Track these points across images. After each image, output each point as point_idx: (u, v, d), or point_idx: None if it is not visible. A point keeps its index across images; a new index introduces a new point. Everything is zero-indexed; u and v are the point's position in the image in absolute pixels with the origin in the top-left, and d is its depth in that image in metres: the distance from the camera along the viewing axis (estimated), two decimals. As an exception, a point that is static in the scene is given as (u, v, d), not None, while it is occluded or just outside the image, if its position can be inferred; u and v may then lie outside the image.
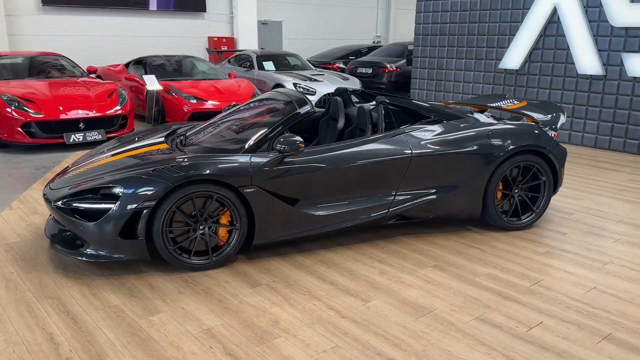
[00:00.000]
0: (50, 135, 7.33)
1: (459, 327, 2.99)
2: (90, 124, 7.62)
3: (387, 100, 4.44)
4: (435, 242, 4.24)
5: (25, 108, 7.23)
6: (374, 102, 4.67)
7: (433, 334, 2.92)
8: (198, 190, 3.52)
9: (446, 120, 4.45)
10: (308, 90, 10.52)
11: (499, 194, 4.45)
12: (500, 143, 4.31)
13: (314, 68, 12.34)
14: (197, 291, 3.38)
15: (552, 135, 4.63)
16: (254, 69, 11.80)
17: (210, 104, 8.94)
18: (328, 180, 3.92)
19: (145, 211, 3.42)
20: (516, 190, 4.46)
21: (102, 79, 9.76)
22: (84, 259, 3.51)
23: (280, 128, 3.94)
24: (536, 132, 4.49)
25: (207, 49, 14.05)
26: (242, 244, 3.75)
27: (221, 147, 3.96)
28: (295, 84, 10.59)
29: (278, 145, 3.72)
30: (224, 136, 4.20)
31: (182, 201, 3.51)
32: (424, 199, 4.20)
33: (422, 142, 4.18)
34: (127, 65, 10.80)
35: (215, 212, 3.65)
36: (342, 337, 2.88)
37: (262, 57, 12.00)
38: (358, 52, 15.37)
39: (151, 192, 3.42)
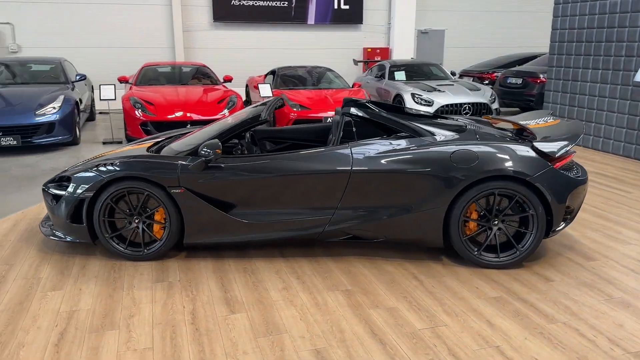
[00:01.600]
0: (161, 133, 8.49)
1: (285, 355, 2.80)
2: (196, 125, 8.57)
3: (354, 112, 4.20)
4: (381, 266, 3.90)
5: (145, 109, 8.51)
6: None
7: (254, 355, 2.79)
8: (130, 187, 3.88)
9: (417, 136, 4.04)
10: (426, 101, 10.15)
11: (473, 224, 3.88)
12: (465, 166, 3.76)
13: (452, 78, 11.80)
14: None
15: (553, 160, 3.85)
16: (384, 78, 11.79)
17: (314, 112, 9.26)
18: (260, 188, 3.92)
19: (85, 200, 3.91)
20: (495, 222, 3.83)
21: (248, 87, 10.68)
22: (50, 237, 4.14)
23: (219, 135, 4.07)
24: (522, 156, 3.80)
25: (353, 59, 14.43)
26: (176, 242, 3.99)
27: (176, 150, 4.24)
28: (413, 95, 10.32)
29: (201, 150, 3.87)
30: (186, 142, 4.47)
31: (117, 195, 3.91)
32: (370, 219, 3.89)
33: (367, 158, 3.89)
34: (267, 75, 11.77)
35: (151, 209, 3.96)
36: (165, 341, 2.94)
37: (395, 67, 11.92)
38: (522, 61, 14.16)
39: (89, 184, 3.89)
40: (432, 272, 3.81)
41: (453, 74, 12.52)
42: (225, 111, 8.81)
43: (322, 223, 3.92)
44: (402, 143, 3.96)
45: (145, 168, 3.89)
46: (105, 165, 3.98)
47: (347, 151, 3.94)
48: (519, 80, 12.17)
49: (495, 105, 10.51)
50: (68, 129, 8.38)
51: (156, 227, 4.00)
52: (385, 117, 4.13)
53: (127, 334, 2.99)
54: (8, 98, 8.35)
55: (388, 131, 4.24)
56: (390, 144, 3.96)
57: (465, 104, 10.17)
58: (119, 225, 4.01)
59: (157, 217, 3.98)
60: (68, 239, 4.06)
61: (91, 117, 11.42)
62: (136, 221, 3.97)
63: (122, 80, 10.21)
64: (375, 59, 15.25)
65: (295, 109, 9.32)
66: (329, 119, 9.25)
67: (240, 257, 4.07)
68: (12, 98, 8.36)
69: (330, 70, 11.35)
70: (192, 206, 3.89)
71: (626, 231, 4.64)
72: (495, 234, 3.87)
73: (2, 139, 7.81)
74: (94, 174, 3.93)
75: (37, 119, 8.04)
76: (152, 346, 2.88)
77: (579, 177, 3.96)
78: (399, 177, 3.83)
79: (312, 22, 14.80)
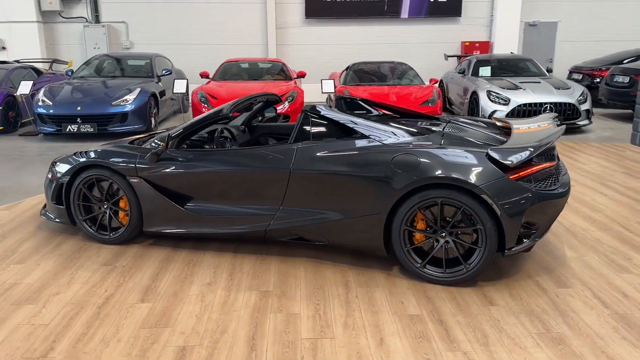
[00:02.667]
0: (220, 126, 8.92)
1: (151, 348, 2.85)
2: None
3: (312, 112, 4.07)
4: (321, 271, 3.77)
5: (207, 102, 8.99)
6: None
7: (125, 343, 2.89)
8: (97, 174, 4.17)
9: (371, 138, 3.80)
10: (502, 99, 9.43)
11: (419, 235, 3.58)
12: (405, 171, 3.48)
13: (547, 75, 10.80)
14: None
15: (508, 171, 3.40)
16: (467, 74, 11.14)
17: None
18: (206, 183, 3.99)
19: (64, 184, 4.28)
20: (443, 234, 3.50)
21: (334, 83, 10.71)
22: (42, 217, 4.60)
23: (181, 130, 4.19)
24: (471, 164, 3.41)
25: (444, 54, 13.77)
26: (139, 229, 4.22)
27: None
28: (489, 92, 9.63)
29: (151, 142, 4.03)
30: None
31: (88, 181, 4.22)
32: (312, 221, 3.77)
33: (309, 159, 3.76)
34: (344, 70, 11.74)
35: (117, 196, 4.22)
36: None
37: (482, 62, 11.19)
38: (641, 57, 12.54)
39: (66, 170, 4.26)
40: (369, 282, 3.59)
41: (549, 70, 11.44)
42: (282, 106, 8.98)
43: (265, 221, 3.88)
44: (349, 145, 3.77)
45: (109, 157, 4.16)
46: (82, 152, 4.31)
47: (291, 150, 3.85)
48: (626, 79, 10.78)
49: (585, 107, 9.43)
50: (142, 118, 9.12)
51: (121, 214, 4.25)
52: (340, 117, 3.95)
53: (39, 310, 3.25)
54: (93, 89, 9.31)
55: (348, 132, 4.05)
56: (336, 145, 3.79)
57: (546, 104, 9.25)
58: (94, 210, 4.33)
59: (121, 204, 4.23)
60: (53, 219, 4.47)
61: (185, 110, 12.26)
62: (104, 207, 4.26)
63: (204, 75, 10.85)
64: (474, 53, 14.42)
65: (353, 106, 9.19)
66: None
67: (195, 249, 4.17)
68: (97, 90, 9.32)
69: (406, 65, 11.00)
70: (148, 196, 4.08)
71: (638, 258, 3.95)
72: (443, 247, 3.53)
73: (81, 126, 8.76)
74: (71, 160, 4.28)
75: (112, 109, 8.87)
76: (49, 323, 3.09)
77: (550, 189, 3.47)
78: (338, 179, 3.66)
79: (406, 16, 14.41)
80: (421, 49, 14.66)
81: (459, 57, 13.60)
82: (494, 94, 9.58)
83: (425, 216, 3.52)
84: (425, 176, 3.42)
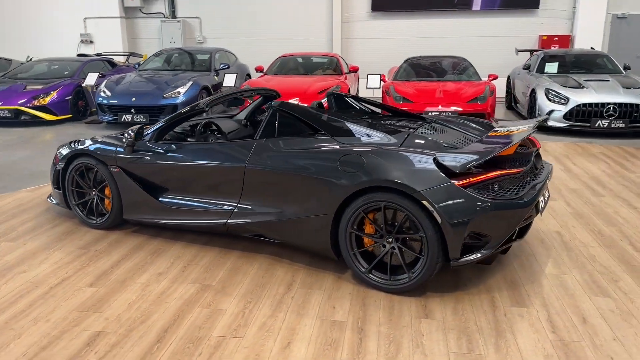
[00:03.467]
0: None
1: (66, 330, 3.00)
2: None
3: (282, 108, 4.01)
4: (274, 269, 3.74)
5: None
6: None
7: (43, 325, 3.06)
8: (85, 162, 4.43)
9: (335, 136, 3.69)
10: (561, 98, 8.75)
11: (367, 239, 3.45)
12: (351, 172, 3.36)
13: (623, 73, 9.86)
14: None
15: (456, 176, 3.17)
16: (532, 70, 10.44)
17: (416, 106, 8.80)
18: (173, 175, 4.10)
19: (60, 171, 4.59)
20: (390, 240, 3.35)
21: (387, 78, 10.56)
22: (47, 199, 4.96)
23: (162, 123, 4.32)
24: (416, 167, 3.21)
25: (515, 48, 12.94)
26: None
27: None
28: (548, 90, 8.97)
29: (125, 133, 4.20)
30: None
31: (79, 169, 4.50)
32: (266, 218, 3.75)
33: (265, 156, 3.73)
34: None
35: (102, 183, 4.46)
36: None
37: (549, 58, 10.44)
38: None
39: (62, 157, 4.56)
40: (315, 283, 3.52)
41: (627, 67, 10.40)
42: (324, 100, 8.95)
43: (224, 217, 3.92)
44: (303, 143, 3.71)
45: (95, 147, 4.39)
46: (77, 141, 4.59)
47: (248, 146, 3.84)
48: None
49: (658, 108, 8.48)
50: (191, 111, 9.50)
51: (107, 201, 4.48)
52: (304, 114, 3.88)
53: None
54: (150, 82, 9.84)
55: (313, 130, 3.96)
56: (291, 143, 3.74)
57: (609, 104, 8.44)
58: (85, 196, 4.60)
59: (106, 191, 4.46)
60: (55, 203, 4.81)
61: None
62: (92, 194, 4.51)
63: (258, 70, 11.08)
64: (552, 48, 13.46)
65: (397, 102, 8.97)
66: (430, 113, 8.68)
67: (169, 239, 4.30)
68: (153, 82, 9.83)
69: (464, 60, 10.52)
70: (126, 185, 4.26)
71: (630, 281, 3.52)
72: (390, 253, 3.37)
73: (135, 116, 9.30)
74: (66, 148, 4.58)
75: (163, 101, 9.33)
76: (0, 298, 3.35)
77: (507, 198, 3.18)
78: (288, 177, 3.61)
79: (478, 8, 13.74)
80: (493, 43, 13.92)
81: (531, 51, 12.75)
82: (553, 92, 8.90)
83: (377, 219, 3.38)
84: (366, 178, 3.28)
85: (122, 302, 3.30)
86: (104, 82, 9.97)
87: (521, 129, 3.64)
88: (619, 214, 4.78)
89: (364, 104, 4.77)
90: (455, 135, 3.84)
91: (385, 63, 13.91)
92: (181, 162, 4.05)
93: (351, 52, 14.36)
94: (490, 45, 13.93)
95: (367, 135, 3.68)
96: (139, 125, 4.26)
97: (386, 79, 10.33)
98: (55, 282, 3.57)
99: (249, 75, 12.93)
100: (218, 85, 10.67)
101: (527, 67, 10.80)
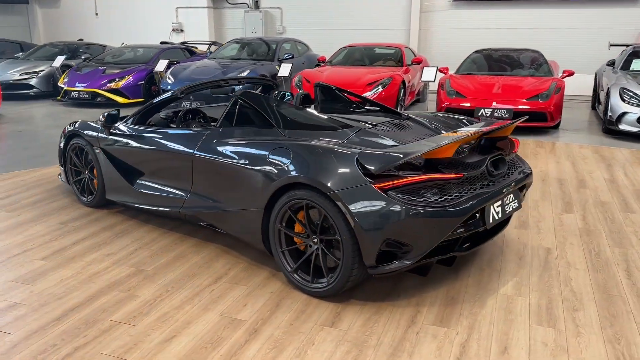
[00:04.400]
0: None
1: (-6, 297, 3.20)
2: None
3: (242, 97, 3.92)
4: (214, 261, 3.71)
5: (300, 86, 9.16)
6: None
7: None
8: (78, 143, 4.69)
9: (286, 128, 3.56)
10: (636, 100, 7.77)
11: (297, 238, 3.30)
12: (278, 167, 3.22)
13: None
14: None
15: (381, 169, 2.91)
16: (617, 67, 9.37)
17: (468, 101, 8.28)
18: (139, 159, 4.20)
19: (61, 149, 4.90)
20: (315, 240, 3.18)
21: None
22: (58, 177, 5.32)
23: (142, 108, 4.43)
24: (335, 165, 3.00)
25: (609, 42, 11.61)
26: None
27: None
28: (623, 90, 8.01)
29: (101, 116, 4.36)
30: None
31: (74, 148, 4.76)
32: (210, 208, 3.73)
33: (211, 145, 3.69)
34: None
35: (90, 163, 4.69)
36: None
37: (638, 53, 9.30)
38: None
39: (62, 137, 4.86)
40: (246, 279, 3.44)
41: None
42: (370, 93, 8.72)
43: (179, 203, 3.94)
44: (247, 134, 3.63)
45: (84, 128, 4.62)
46: (77, 122, 4.86)
47: (200, 135, 3.82)
48: None
49: None
50: (246, 99, 9.70)
51: (95, 180, 4.70)
52: (259, 104, 3.77)
53: (-30, 252, 3.85)
54: (212, 70, 10.17)
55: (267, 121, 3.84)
56: (236, 133, 3.68)
57: (695, 108, 7.33)
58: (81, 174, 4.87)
59: (94, 171, 4.68)
60: (61, 180, 5.15)
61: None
62: (85, 172, 4.76)
63: (321, 60, 11.02)
64: (656, 43, 11.95)
65: (449, 97, 8.49)
66: (482, 111, 8.12)
67: (143, 222, 4.42)
68: (214, 70, 10.16)
69: (537, 53, 9.68)
70: (105, 166, 4.45)
71: (591, 313, 3.04)
72: (314, 255, 3.19)
73: (193, 102, 9.66)
74: (68, 127, 4.86)
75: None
76: (-38, 264, 3.66)
77: (430, 206, 2.87)
78: (227, 168, 3.55)
79: (572, -2, 12.55)
80: (584, 36, 12.65)
81: (626, 46, 11.41)
82: (629, 92, 7.92)
83: (307, 217, 3.21)
84: (288, 174, 3.13)
85: (57, 278, 3.45)
86: (172, 69, 10.47)
87: (470, 131, 3.25)
88: (637, 235, 4.14)
89: (349, 97, 4.55)
90: (416, 135, 3.54)
91: (462, 54, 13.18)
92: (146, 146, 4.14)
93: (429, 43, 13.81)
94: (580, 39, 12.68)
95: (317, 129, 3.51)
96: (115, 109, 4.42)
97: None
98: (16, 253, 3.82)
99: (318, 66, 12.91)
100: (276, 75, 10.78)
101: (611, 64, 9.70)
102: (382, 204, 2.85)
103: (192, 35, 15.78)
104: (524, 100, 8.10)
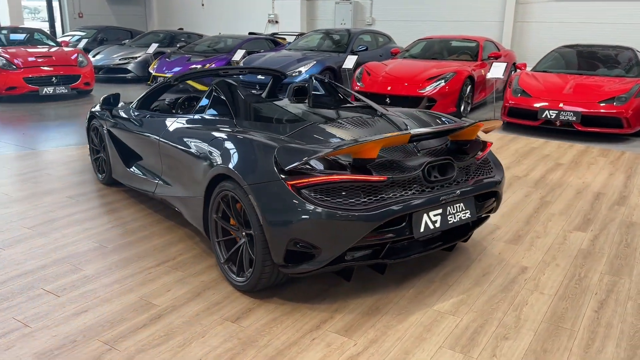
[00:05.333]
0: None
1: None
2: (395, 101, 8.53)
3: (216, 86, 3.94)
4: (171, 245, 3.81)
5: (359, 80, 9.04)
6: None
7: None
8: (94, 123, 5.05)
9: (245, 120, 3.57)
10: None
11: (232, 230, 3.30)
12: (213, 156, 3.24)
13: None
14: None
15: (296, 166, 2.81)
16: None
17: (533, 101, 7.64)
18: (131, 143, 4.41)
19: (86, 129, 5.31)
20: (243, 233, 3.17)
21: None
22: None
23: (144, 93, 4.64)
24: (255, 158, 2.94)
25: None
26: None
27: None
28: None
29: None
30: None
31: (94, 129, 5.13)
32: (170, 193, 3.84)
33: (173, 131, 3.81)
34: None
35: (102, 143, 5.02)
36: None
37: None
38: None
39: (87, 117, 5.26)
40: (191, 267, 3.49)
41: None
42: (429, 88, 8.36)
43: (152, 187, 4.10)
44: (201, 122, 3.68)
45: (99, 110, 4.95)
46: (96, 104, 5.23)
47: (169, 121, 3.93)
48: None
49: None
50: (309, 90, 9.76)
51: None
52: (226, 95, 3.78)
53: (-20, 216, 4.33)
54: (282, 59, 10.34)
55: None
56: (195, 121, 3.76)
57: None
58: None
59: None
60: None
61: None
62: (101, 152, 5.11)
63: (394, 52, 10.73)
64: None
65: (514, 95, 7.88)
66: (546, 113, 7.43)
67: (140, 202, 4.66)
68: (284, 60, 10.31)
69: (629, 51, 8.61)
70: (110, 146, 4.74)
71: (513, 344, 2.70)
72: (243, 247, 3.17)
73: (258, 91, 9.93)
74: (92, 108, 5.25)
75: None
76: (-34, 225, 4.13)
77: (339, 208, 2.71)
78: (180, 154, 3.64)
79: (694, -11, 10.96)
80: None
81: None
82: None
83: (234, 210, 3.20)
84: (215, 163, 3.13)
85: (28, 245, 3.76)
86: (245, 58, 10.82)
87: (401, 133, 3.00)
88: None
89: (343, 91, 4.40)
90: (374, 132, 3.36)
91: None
92: (133, 131, 4.35)
93: (525, 37, 12.86)
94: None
95: (269, 121, 3.47)
96: (115, 92, 4.68)
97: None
98: (13, 220, 4.22)
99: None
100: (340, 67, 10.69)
101: None
102: (290, 201, 2.74)
103: (286, 26, 16.14)
104: (597, 103, 7.26)
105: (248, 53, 11.57)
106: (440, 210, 2.99)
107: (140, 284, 3.25)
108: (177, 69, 11.42)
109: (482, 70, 9.34)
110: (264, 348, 2.63)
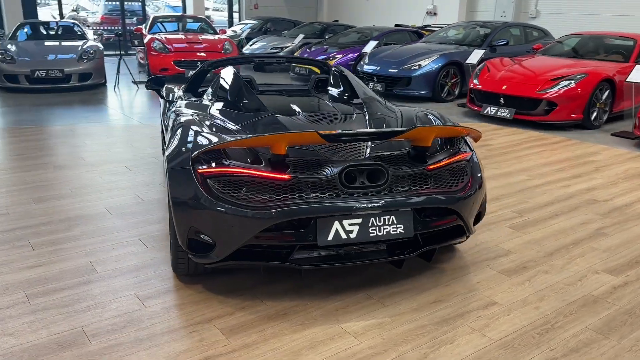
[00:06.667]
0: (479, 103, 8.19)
1: None
2: (510, 101, 7.73)
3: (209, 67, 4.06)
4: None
5: (477, 75, 8.37)
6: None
7: None
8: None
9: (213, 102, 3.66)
10: None
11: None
12: (169, 139, 3.35)
13: None
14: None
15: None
16: None
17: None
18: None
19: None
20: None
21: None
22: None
23: (191, 78, 4.91)
24: (188, 140, 2.98)
25: None
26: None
27: None
28: None
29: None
30: None
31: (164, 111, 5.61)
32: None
33: (171, 111, 4.00)
34: None
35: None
36: None
37: None
38: None
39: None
40: (159, 256, 3.68)
41: None
42: (550, 90, 7.39)
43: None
44: (194, 105, 3.83)
45: (166, 91, 5.37)
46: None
47: (179, 104, 4.10)
48: None
49: None
50: (427, 85, 9.33)
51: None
52: (219, 78, 3.88)
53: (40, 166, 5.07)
54: (405, 52, 10.01)
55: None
56: (191, 103, 3.94)
57: None
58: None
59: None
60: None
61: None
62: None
63: (536, 49, 9.64)
64: None
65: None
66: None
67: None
68: (406, 53, 9.97)
69: None
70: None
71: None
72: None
73: (375, 84, 9.77)
74: None
75: (400, 72, 9.45)
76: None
77: (235, 203, 2.64)
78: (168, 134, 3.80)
79: None
80: None
81: None
82: None
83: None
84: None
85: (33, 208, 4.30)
86: (372, 50, 10.70)
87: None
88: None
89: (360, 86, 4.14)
90: (330, 128, 3.18)
91: None
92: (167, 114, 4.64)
93: None
94: None
95: (237, 109, 3.47)
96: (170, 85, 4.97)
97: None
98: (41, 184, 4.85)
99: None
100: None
101: None
102: (192, 189, 2.73)
103: (444, 18, 15.51)
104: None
105: (385, 44, 11.41)
106: (359, 220, 2.69)
107: (88, 253, 3.52)
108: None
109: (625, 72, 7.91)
110: (143, 329, 2.67)
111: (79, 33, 11.26)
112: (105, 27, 18.19)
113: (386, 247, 2.92)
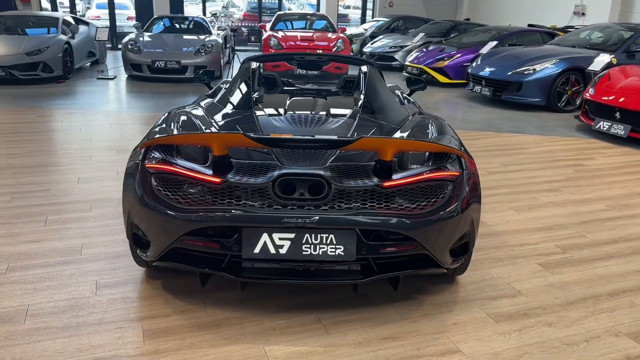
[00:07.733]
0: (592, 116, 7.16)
1: None
2: (627, 116, 6.63)
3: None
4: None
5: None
6: None
7: None
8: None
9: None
10: None
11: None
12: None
13: None
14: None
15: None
16: None
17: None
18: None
19: None
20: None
21: None
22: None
23: None
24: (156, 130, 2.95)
25: None
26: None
27: None
28: None
29: None
30: None
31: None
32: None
33: None
34: None
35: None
36: None
37: None
38: None
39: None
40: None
41: None
42: None
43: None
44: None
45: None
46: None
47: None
48: None
49: None
50: (542, 92, 8.38)
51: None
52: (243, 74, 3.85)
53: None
54: (518, 55, 9.07)
55: None
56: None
57: None
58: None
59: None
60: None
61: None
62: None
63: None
64: None
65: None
66: None
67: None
68: (520, 56, 9.01)
69: None
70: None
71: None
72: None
73: (483, 88, 9.01)
74: None
75: (509, 77, 8.60)
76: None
77: (162, 202, 2.56)
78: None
79: None
80: None
81: None
82: None
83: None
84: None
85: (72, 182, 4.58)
86: (489, 50, 9.90)
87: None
88: None
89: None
90: (307, 133, 2.98)
91: None
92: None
93: None
94: None
95: (234, 107, 3.39)
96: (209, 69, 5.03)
97: None
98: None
99: None
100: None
101: None
102: (132, 184, 2.70)
103: (593, 19, 13.86)
104: None
105: (511, 45, 10.52)
106: (291, 235, 2.43)
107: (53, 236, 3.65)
108: (425, 58, 11.24)
109: None
110: (77, 317, 2.69)
111: (207, 28, 12.01)
112: (246, 24, 19.26)
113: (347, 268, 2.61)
